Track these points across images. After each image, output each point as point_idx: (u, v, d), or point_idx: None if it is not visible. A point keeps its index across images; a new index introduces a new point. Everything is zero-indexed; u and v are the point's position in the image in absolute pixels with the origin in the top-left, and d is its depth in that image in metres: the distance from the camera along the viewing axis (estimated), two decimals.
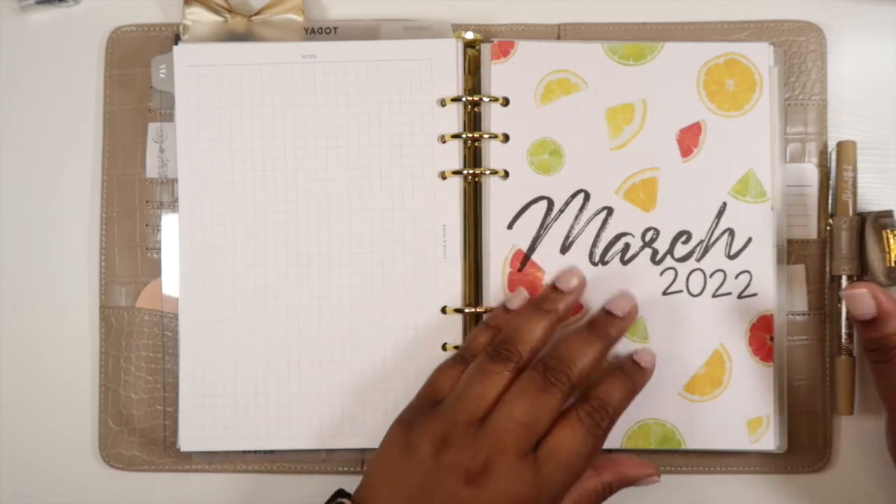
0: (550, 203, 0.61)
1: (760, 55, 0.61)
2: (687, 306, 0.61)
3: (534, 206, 0.61)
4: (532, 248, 0.61)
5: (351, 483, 0.63)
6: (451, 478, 0.53)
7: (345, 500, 0.56)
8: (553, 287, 0.59)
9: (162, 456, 0.63)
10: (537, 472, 0.53)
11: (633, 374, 0.57)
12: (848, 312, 0.60)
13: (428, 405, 0.56)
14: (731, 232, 0.61)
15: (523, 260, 0.61)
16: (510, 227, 0.61)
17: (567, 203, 0.61)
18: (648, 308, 0.61)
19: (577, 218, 0.61)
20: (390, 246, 0.62)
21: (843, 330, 0.61)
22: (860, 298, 0.55)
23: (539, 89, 0.62)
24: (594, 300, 0.61)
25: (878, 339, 0.55)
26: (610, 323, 0.57)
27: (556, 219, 0.61)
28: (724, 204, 0.61)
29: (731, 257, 0.61)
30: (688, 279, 0.61)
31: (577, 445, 0.54)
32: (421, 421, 0.55)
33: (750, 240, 0.61)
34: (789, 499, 0.62)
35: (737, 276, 0.61)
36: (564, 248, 0.61)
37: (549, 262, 0.61)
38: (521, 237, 0.61)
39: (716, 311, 0.61)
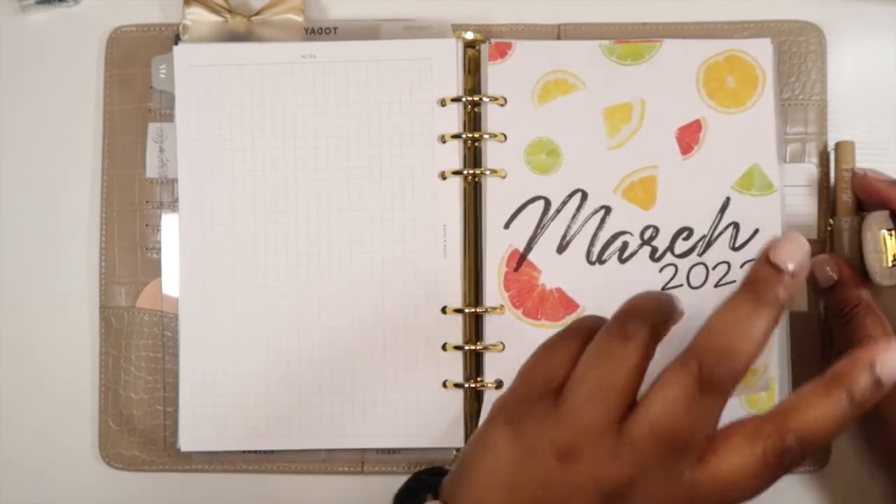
0: (547, 203, 0.61)
1: (762, 51, 0.61)
2: (687, 299, 0.60)
3: (530, 206, 0.61)
4: (528, 248, 0.61)
5: (351, 482, 0.63)
6: (589, 497, 0.43)
7: (427, 496, 0.47)
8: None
9: (162, 456, 0.63)
10: (694, 490, 0.42)
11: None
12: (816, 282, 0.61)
13: (543, 397, 0.44)
14: (735, 225, 0.60)
15: (519, 260, 0.61)
16: (507, 226, 0.61)
17: (564, 203, 0.61)
18: None
19: (574, 217, 0.61)
20: (390, 246, 0.62)
21: None
22: (821, 265, 0.59)
23: (536, 90, 0.62)
24: (593, 300, 0.60)
25: (838, 301, 0.59)
26: (778, 281, 0.43)
27: (552, 218, 0.61)
28: (728, 199, 0.61)
29: (735, 249, 0.60)
30: (688, 273, 0.61)
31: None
32: (536, 421, 0.44)
33: (757, 231, 0.60)
34: (789, 498, 0.62)
35: (742, 266, 0.60)
36: (561, 248, 0.61)
37: (545, 262, 0.61)
38: (518, 237, 0.61)
39: (718, 301, 0.60)
